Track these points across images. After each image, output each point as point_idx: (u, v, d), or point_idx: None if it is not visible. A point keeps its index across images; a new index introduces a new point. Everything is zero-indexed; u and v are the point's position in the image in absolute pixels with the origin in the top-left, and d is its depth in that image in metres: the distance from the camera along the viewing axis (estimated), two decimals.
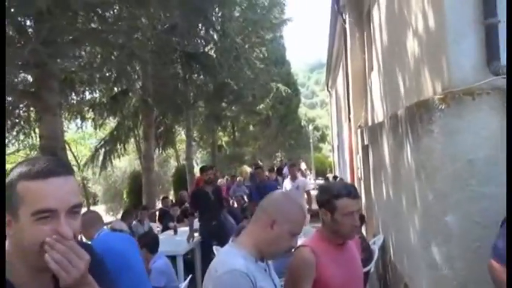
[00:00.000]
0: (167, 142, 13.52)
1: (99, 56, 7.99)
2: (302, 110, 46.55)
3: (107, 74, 8.32)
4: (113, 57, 7.97)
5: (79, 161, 17.14)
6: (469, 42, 2.64)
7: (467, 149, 2.56)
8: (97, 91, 8.95)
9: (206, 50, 9.90)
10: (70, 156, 18.52)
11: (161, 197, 8.33)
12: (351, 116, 7.76)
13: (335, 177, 12.92)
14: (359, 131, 7.08)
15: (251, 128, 25.48)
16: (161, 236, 6.16)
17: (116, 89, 9.32)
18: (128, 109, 10.26)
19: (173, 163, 23.43)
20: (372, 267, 4.28)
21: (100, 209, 20.35)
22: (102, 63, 8.03)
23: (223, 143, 25.15)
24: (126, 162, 20.45)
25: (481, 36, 2.60)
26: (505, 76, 2.47)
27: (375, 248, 4.44)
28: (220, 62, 9.71)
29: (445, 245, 2.64)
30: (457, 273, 2.59)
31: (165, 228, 6.93)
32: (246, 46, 13.69)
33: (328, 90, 17.91)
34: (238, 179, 12.76)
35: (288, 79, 28.84)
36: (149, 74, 9.69)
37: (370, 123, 6.38)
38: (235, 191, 11.75)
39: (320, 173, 27.30)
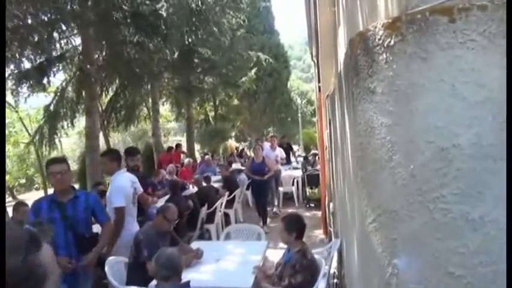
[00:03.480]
0: (129, 117, 12.13)
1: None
2: (295, 84, 45.10)
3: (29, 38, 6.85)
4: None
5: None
6: None
7: (441, 124, 1.26)
8: (11, 59, 7.35)
9: (157, 7, 8.38)
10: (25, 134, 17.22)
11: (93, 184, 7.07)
12: (321, 84, 6.43)
13: (315, 155, 11.68)
14: (327, 101, 5.76)
15: (235, 101, 24.06)
16: None
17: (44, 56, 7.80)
18: (67, 80, 8.84)
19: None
20: (317, 286, 3.06)
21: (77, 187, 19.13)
22: (22, 26, 6.58)
23: (210, 118, 23.82)
24: (102, 139, 19.15)
25: None
26: None
27: (321, 260, 3.20)
28: (173, 22, 8.23)
29: None
30: None
31: None
32: (217, 9, 12.16)
33: (312, 59, 16.40)
34: (206, 157, 11.49)
35: (277, 50, 27.33)
36: (90, 38, 8.24)
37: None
38: (203, 171, 10.48)
39: (309, 149, 26.05)
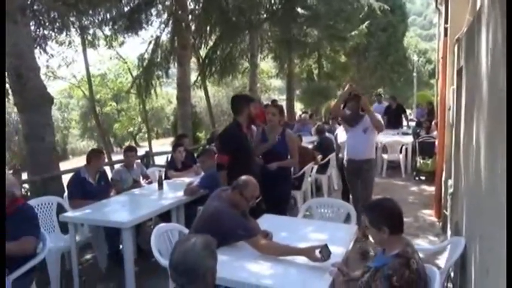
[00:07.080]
0: (224, 70, 11.67)
1: None
2: (412, 41, 40.74)
3: None
4: None
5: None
6: None
7: None
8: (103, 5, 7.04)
9: None
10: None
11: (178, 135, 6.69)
12: (448, 25, 4.95)
13: (430, 120, 9.95)
14: (456, 46, 4.34)
15: (342, 58, 22.20)
16: (136, 191, 4.56)
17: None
18: (160, 28, 8.55)
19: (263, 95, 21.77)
20: None
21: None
22: None
23: (314, 76, 22.56)
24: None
25: None
26: None
27: (435, 272, 2.15)
28: None
29: None
30: None
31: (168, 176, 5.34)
32: None
33: (437, 6, 13.88)
34: (303, 115, 10.60)
35: (393, 1, 24.41)
36: None
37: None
38: (297, 131, 9.62)
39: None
